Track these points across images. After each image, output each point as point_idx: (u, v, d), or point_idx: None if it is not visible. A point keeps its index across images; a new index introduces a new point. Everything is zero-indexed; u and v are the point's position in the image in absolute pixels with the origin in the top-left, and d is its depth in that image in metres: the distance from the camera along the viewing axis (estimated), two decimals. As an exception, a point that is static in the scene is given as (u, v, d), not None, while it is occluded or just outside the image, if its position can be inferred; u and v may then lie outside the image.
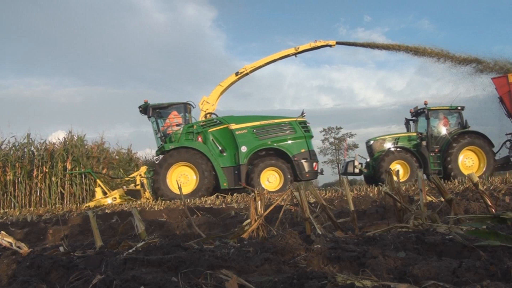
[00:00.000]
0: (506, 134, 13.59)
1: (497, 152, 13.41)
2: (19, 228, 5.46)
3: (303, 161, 12.14)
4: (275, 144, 12.25)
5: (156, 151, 13.24)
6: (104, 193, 12.43)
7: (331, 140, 42.83)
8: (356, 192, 8.21)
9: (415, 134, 13.78)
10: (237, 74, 14.99)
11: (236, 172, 12.07)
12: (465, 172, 12.26)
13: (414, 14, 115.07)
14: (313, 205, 4.22)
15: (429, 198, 4.30)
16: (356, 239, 2.20)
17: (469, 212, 3.46)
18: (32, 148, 17.69)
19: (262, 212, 2.64)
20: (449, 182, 9.00)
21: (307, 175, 12.17)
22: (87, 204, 12.26)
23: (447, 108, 13.46)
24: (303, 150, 12.25)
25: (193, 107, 13.78)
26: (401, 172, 12.83)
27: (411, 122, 14.37)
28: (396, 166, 12.93)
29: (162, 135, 12.95)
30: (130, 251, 2.22)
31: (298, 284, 1.41)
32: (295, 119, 12.65)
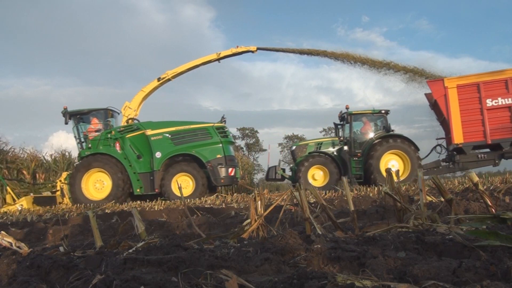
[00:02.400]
0: (437, 139, 13.59)
1: (426, 156, 13.39)
2: (19, 228, 5.46)
3: (218, 166, 12.10)
4: (193, 151, 12.24)
5: (77, 157, 13.47)
6: (14, 200, 12.54)
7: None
8: (356, 192, 8.22)
9: (336, 139, 13.71)
10: (159, 79, 15.02)
11: (151, 178, 12.17)
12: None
13: (412, 14, 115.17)
14: (313, 205, 4.22)
15: (429, 198, 4.30)
16: (356, 239, 2.20)
17: (469, 212, 3.46)
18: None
19: (262, 212, 2.64)
20: (449, 182, 8.99)
21: (222, 181, 12.14)
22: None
23: (370, 112, 13.31)
24: (218, 156, 12.20)
25: (118, 113, 14.00)
26: (321, 177, 12.84)
27: (339, 126, 14.15)
28: (315, 171, 12.94)
29: (81, 140, 13.16)
30: (130, 251, 2.22)
31: (298, 284, 1.41)
32: (212, 124, 12.63)
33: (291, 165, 14.34)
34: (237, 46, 15.57)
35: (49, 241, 4.22)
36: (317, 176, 12.92)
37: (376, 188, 8.35)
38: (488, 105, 11.85)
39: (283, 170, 14.13)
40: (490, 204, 2.93)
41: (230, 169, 12.27)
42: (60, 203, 12.62)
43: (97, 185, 12.17)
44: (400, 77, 14.79)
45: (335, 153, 13.39)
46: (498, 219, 2.38)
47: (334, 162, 12.95)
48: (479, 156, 12.18)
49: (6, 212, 10.05)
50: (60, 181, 13.26)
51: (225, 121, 12.95)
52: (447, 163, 12.90)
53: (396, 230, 2.44)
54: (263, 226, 2.62)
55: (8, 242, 2.52)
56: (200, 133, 12.47)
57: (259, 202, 2.65)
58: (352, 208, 2.83)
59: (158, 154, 12.15)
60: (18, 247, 2.50)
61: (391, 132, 12.90)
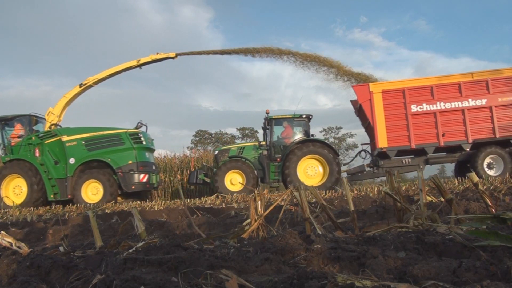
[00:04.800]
0: (362, 144, 13.72)
1: (351, 161, 13.63)
2: (19, 228, 5.46)
3: (130, 173, 12.19)
4: (107, 158, 12.28)
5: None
6: None
7: (331, 140, 42.96)
8: (356, 192, 8.22)
9: (257, 143, 13.68)
10: (81, 86, 15.10)
11: (66, 184, 12.35)
12: (305, 182, 12.04)
13: (410, 14, 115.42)
14: (313, 205, 4.22)
15: (429, 198, 4.30)
16: (356, 239, 2.20)
17: (469, 212, 3.46)
18: None
19: (262, 212, 2.64)
20: (449, 182, 9.00)
21: (133, 187, 12.19)
22: None
23: (290, 116, 13.22)
24: (130, 162, 12.28)
25: (44, 119, 14.11)
26: (240, 181, 12.84)
27: (267, 130, 13.90)
28: (233, 175, 12.94)
29: (5, 146, 13.32)
30: (130, 251, 2.22)
31: (298, 284, 1.41)
32: (125, 130, 12.71)
33: (214, 169, 14.32)
34: (157, 53, 15.64)
35: (49, 241, 4.22)
36: (234, 181, 12.92)
37: (376, 188, 8.35)
38: (412, 110, 12.06)
39: (205, 174, 14.09)
40: (490, 204, 2.93)
41: (142, 176, 12.33)
42: None
43: (16, 190, 12.41)
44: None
45: (256, 157, 13.40)
46: (498, 219, 2.38)
47: (252, 167, 12.98)
48: (403, 161, 12.32)
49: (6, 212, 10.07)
50: None
51: (142, 126, 13.02)
52: (371, 168, 13.02)
53: (396, 230, 2.45)
54: (263, 226, 2.62)
55: (8, 242, 2.52)
56: (113, 139, 12.56)
57: (259, 202, 2.65)
58: (352, 208, 2.83)
59: (71, 160, 12.34)
60: (18, 247, 2.50)
61: (311, 137, 12.89)
